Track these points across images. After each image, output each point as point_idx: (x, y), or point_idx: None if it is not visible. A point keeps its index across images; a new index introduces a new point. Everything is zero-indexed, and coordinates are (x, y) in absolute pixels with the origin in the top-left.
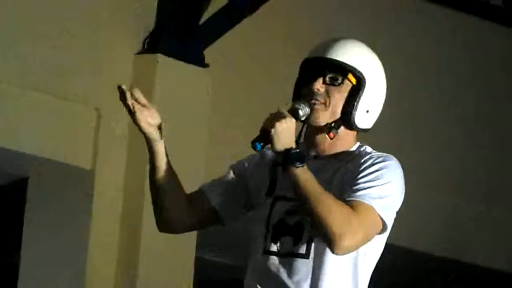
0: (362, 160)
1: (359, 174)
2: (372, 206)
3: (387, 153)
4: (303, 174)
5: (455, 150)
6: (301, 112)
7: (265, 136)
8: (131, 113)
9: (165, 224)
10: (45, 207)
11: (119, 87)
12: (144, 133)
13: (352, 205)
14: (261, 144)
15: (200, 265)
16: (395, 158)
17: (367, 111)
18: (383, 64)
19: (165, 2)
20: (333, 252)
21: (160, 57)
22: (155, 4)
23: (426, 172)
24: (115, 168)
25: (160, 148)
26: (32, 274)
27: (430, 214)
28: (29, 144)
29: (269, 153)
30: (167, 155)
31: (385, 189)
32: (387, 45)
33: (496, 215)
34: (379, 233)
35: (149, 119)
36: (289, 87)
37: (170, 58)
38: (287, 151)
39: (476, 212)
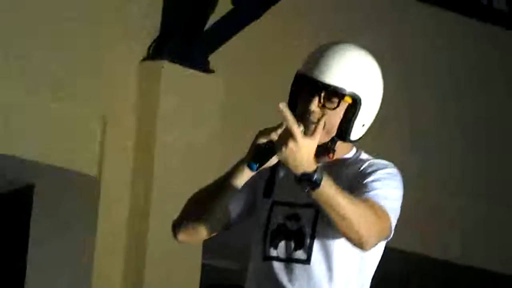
0: (364, 166)
1: (367, 176)
2: (384, 206)
3: (387, 153)
4: (325, 191)
5: (454, 150)
6: None
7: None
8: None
9: (189, 234)
10: (50, 214)
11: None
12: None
13: (369, 204)
14: (257, 164)
15: (206, 270)
16: (395, 167)
17: (363, 125)
18: (383, 66)
19: (170, 8)
20: (362, 250)
21: (165, 63)
22: (160, 10)
23: (426, 172)
24: (121, 174)
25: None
26: (38, 279)
27: (430, 216)
28: (35, 151)
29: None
30: None
31: (392, 193)
32: (387, 45)
33: (496, 216)
34: (385, 238)
35: None
36: None
37: (175, 64)
38: (304, 176)
39: (476, 213)
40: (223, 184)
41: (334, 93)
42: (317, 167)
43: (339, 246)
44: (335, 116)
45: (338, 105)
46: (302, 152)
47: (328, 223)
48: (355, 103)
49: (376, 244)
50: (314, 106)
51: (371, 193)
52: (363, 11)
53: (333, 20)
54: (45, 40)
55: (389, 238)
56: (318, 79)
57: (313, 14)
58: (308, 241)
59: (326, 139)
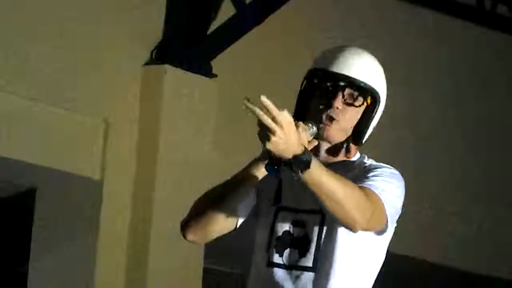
0: (366, 166)
1: (368, 173)
2: (380, 196)
3: (386, 153)
4: (315, 172)
5: (454, 151)
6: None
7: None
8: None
9: (198, 233)
10: (53, 218)
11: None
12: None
13: (363, 190)
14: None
15: (208, 274)
16: (398, 171)
17: (373, 128)
18: (383, 65)
19: (173, 13)
20: (351, 230)
21: (168, 67)
22: (163, 15)
23: (425, 172)
24: (123, 178)
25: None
26: (40, 284)
27: (429, 217)
28: (37, 155)
29: None
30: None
31: (391, 188)
32: (387, 45)
33: (496, 216)
34: (380, 232)
35: None
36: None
37: (178, 69)
38: (295, 158)
39: (475, 213)
40: (237, 182)
41: (359, 90)
42: (305, 148)
43: (344, 253)
44: (355, 115)
45: (363, 103)
46: (290, 133)
47: (333, 230)
48: (374, 103)
49: (367, 228)
50: (339, 102)
51: (368, 183)
52: (362, 11)
53: (331, 24)
54: (46, 45)
55: (385, 233)
56: (345, 73)
57: (312, 15)
58: (313, 249)
59: (342, 138)
